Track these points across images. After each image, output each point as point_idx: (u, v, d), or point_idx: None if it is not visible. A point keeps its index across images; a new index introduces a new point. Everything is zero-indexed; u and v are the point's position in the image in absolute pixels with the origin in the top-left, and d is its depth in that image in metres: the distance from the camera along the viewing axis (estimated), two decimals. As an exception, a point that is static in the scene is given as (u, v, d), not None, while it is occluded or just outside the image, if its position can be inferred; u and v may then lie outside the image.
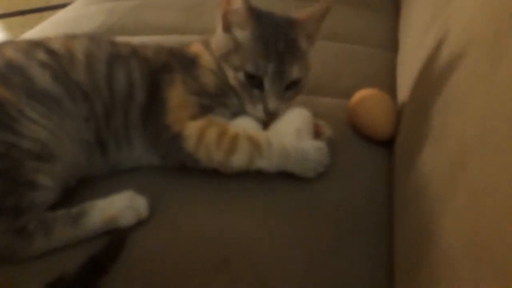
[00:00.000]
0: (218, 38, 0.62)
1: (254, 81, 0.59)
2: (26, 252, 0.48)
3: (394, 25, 1.02)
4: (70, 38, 0.61)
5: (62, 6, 1.24)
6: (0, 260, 0.48)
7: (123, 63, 0.60)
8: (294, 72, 0.59)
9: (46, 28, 1.04)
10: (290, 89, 0.61)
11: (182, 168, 0.58)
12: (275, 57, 0.58)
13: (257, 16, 0.60)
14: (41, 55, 0.56)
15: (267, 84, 0.58)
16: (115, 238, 0.49)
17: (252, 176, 0.56)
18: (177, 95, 0.59)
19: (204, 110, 0.58)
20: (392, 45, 0.95)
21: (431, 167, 0.48)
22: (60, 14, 1.14)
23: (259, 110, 0.60)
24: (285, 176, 0.57)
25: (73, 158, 0.55)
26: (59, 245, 0.49)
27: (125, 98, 0.59)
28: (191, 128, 0.56)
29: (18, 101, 0.52)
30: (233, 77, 0.60)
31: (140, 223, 0.52)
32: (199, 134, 0.55)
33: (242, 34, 0.60)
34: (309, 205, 0.56)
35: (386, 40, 0.97)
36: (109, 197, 0.52)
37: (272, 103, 0.59)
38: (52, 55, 0.57)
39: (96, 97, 0.57)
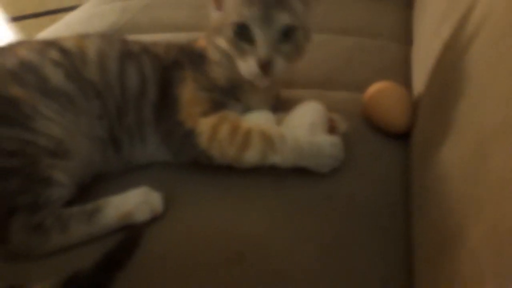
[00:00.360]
0: (214, 20, 0.61)
1: (244, 36, 0.55)
2: (42, 249, 0.49)
3: (406, 17, 1.01)
4: (82, 37, 0.62)
5: (75, 7, 1.26)
6: (17, 257, 0.48)
7: (135, 61, 0.60)
8: (282, 16, 0.55)
9: (59, 28, 1.05)
10: (285, 41, 0.56)
11: (195, 164, 0.58)
12: (261, 6, 0.54)
13: None
14: (54, 54, 0.57)
15: (256, 31, 0.54)
16: (130, 234, 0.49)
17: (266, 171, 0.56)
18: (188, 92, 0.59)
19: (216, 106, 0.58)
20: (405, 37, 0.94)
21: (450, 160, 0.47)
22: (72, 15, 1.16)
23: (252, 64, 0.55)
24: (299, 170, 0.56)
25: (88, 155, 0.56)
26: (74, 241, 0.50)
27: (137, 95, 0.59)
28: (204, 125, 0.56)
29: (32, 99, 0.52)
30: (224, 39, 0.57)
31: (155, 219, 0.52)
32: (212, 130, 0.55)
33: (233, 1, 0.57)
34: (323, 199, 0.56)
35: (398, 33, 0.96)
36: (124, 193, 0.53)
37: (263, 50, 0.54)
38: (65, 54, 0.58)
39: (108, 95, 0.58)
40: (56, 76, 0.55)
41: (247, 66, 0.56)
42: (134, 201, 0.51)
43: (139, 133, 0.59)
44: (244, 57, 0.56)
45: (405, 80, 0.78)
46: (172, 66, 0.61)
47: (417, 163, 0.59)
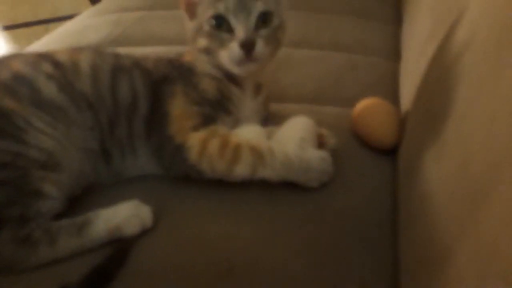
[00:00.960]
0: (190, 29, 0.62)
1: (222, 27, 0.57)
2: (30, 261, 0.48)
3: (396, 34, 1.03)
4: (76, 50, 0.62)
5: (68, 17, 1.26)
6: (4, 270, 0.48)
7: (126, 74, 0.61)
8: (259, 4, 0.57)
9: (52, 39, 1.05)
10: (264, 27, 0.58)
11: (187, 177, 0.58)
12: None
13: None
14: (47, 67, 0.57)
15: (232, 20, 0.56)
16: (120, 247, 0.49)
17: (256, 185, 0.56)
18: (178, 107, 0.59)
19: (206, 120, 0.59)
20: (394, 54, 0.95)
21: (436, 176, 0.47)
22: (65, 26, 1.16)
23: (233, 48, 0.56)
24: (289, 185, 0.57)
25: (79, 167, 0.56)
26: (63, 254, 0.49)
27: (128, 108, 0.59)
28: (194, 139, 0.56)
29: (24, 111, 0.53)
30: (204, 38, 0.59)
31: (145, 232, 0.52)
32: (202, 145, 0.55)
33: (204, 2, 0.59)
34: (313, 213, 0.56)
35: (388, 50, 0.97)
36: (114, 206, 0.53)
37: (244, 33, 0.55)
38: (58, 66, 0.58)
39: (100, 107, 0.58)
40: (49, 89, 0.55)
41: (230, 52, 0.57)
42: (124, 215, 0.51)
43: (130, 146, 0.60)
44: (225, 46, 0.57)
45: (394, 96, 0.79)
46: (162, 80, 0.62)
47: (403, 179, 0.60)
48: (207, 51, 0.60)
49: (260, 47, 0.57)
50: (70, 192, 0.55)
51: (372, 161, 0.66)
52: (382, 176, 0.64)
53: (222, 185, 0.57)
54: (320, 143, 0.62)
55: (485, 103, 0.42)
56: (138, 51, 0.85)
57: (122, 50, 0.68)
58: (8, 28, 2.19)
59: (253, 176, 0.55)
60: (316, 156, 0.57)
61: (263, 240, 0.52)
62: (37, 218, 0.49)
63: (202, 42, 0.60)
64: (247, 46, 0.56)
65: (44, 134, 0.53)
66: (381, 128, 0.66)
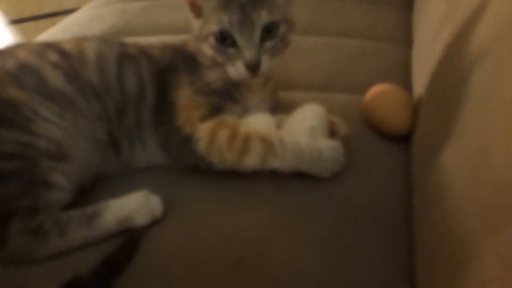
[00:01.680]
0: (196, 28, 0.60)
1: (227, 42, 0.56)
2: (41, 252, 0.48)
3: (407, 20, 1.01)
4: (81, 39, 0.62)
5: (75, 10, 1.25)
6: (15, 261, 0.48)
7: (132, 63, 0.60)
8: (263, 16, 0.54)
9: (57, 31, 1.05)
10: (270, 39, 0.56)
11: (196, 173, 0.57)
12: (237, 9, 0.54)
13: None
14: (53, 56, 0.57)
15: (237, 37, 0.55)
16: (130, 238, 0.49)
17: (267, 175, 0.55)
18: (185, 96, 0.59)
19: (214, 110, 0.58)
20: (405, 40, 0.93)
21: (453, 163, 0.46)
22: (71, 17, 1.15)
23: (239, 67, 0.56)
24: (300, 175, 0.56)
25: (87, 157, 0.55)
26: (73, 245, 0.49)
27: (136, 98, 0.59)
28: (202, 130, 0.55)
29: (32, 101, 0.52)
30: (208, 47, 0.57)
31: (155, 223, 0.52)
32: (211, 135, 0.54)
33: (210, 5, 0.57)
34: (325, 203, 0.55)
35: (398, 35, 0.95)
36: (124, 196, 0.52)
37: (249, 53, 0.54)
38: (64, 55, 0.57)
39: (107, 97, 0.58)
40: (55, 78, 0.55)
41: (235, 69, 0.56)
42: (133, 205, 0.51)
43: (138, 136, 0.59)
44: (231, 61, 0.56)
45: (406, 82, 0.78)
46: (168, 69, 0.61)
47: (418, 167, 0.59)
48: (213, 60, 0.59)
49: (265, 64, 0.56)
50: (79, 182, 0.55)
51: (384, 148, 0.64)
52: (395, 164, 0.63)
53: (232, 175, 0.56)
54: (332, 131, 0.60)
55: (504, 89, 0.40)
56: (143, 41, 0.84)
57: (128, 40, 0.67)
58: (15, 22, 2.20)
59: (263, 166, 0.54)
60: (327, 146, 0.56)
61: (274, 232, 0.51)
62: (47, 209, 0.49)
63: (208, 51, 0.58)
64: (253, 67, 0.55)
65: (52, 124, 0.52)
66: (394, 114, 0.65)
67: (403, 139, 0.65)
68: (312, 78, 0.80)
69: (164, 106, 0.58)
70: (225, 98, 0.60)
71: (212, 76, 0.60)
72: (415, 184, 0.58)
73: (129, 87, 0.59)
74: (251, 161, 0.53)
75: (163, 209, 0.52)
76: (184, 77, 0.60)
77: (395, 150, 0.64)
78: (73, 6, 2.22)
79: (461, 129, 0.46)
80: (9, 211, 0.48)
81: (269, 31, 0.56)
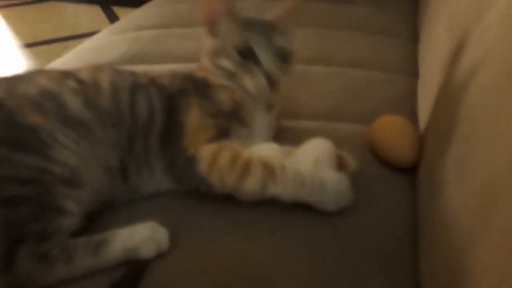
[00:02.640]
0: (211, 46, 0.66)
1: (248, 56, 0.62)
2: (46, 279, 0.48)
3: (413, 51, 1.02)
4: (96, 69, 0.64)
5: (87, 35, 1.29)
6: (19, 286, 0.48)
7: (144, 91, 0.62)
8: (279, 40, 0.63)
9: (71, 57, 1.07)
10: (282, 61, 0.64)
11: (202, 195, 0.57)
12: (259, 30, 0.63)
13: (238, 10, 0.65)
14: (72, 83, 0.59)
15: (260, 53, 0.62)
16: (135, 267, 0.49)
17: (273, 205, 0.55)
18: (194, 118, 0.60)
19: (220, 132, 0.59)
20: (411, 71, 0.94)
21: (459, 199, 0.46)
22: (84, 44, 1.18)
23: (260, 80, 0.61)
24: (306, 205, 0.55)
25: (99, 184, 0.56)
26: (78, 273, 0.49)
27: (145, 124, 0.60)
28: (205, 151, 0.56)
29: (50, 127, 0.53)
30: (227, 60, 0.63)
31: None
32: (212, 157, 0.55)
33: (227, 26, 0.64)
34: (330, 234, 0.55)
35: (404, 66, 0.96)
36: (131, 226, 0.52)
37: (270, 67, 0.61)
38: (81, 83, 0.59)
39: (120, 124, 0.59)
40: (75, 104, 0.56)
41: (255, 82, 0.62)
42: (140, 236, 0.51)
43: (146, 162, 0.60)
44: (251, 74, 0.62)
45: (412, 113, 0.78)
46: (178, 93, 0.63)
47: (424, 199, 0.58)
48: (229, 73, 0.64)
49: (281, 81, 0.63)
50: (89, 208, 0.55)
51: (390, 179, 0.64)
52: (401, 196, 0.62)
53: (238, 204, 0.56)
54: (340, 165, 0.60)
55: (504, 127, 0.40)
56: (155, 68, 0.86)
57: (139, 68, 0.69)
58: (29, 45, 2.25)
59: (263, 192, 0.54)
60: (331, 177, 0.55)
61: (280, 261, 0.51)
62: (56, 235, 0.49)
63: (226, 64, 0.64)
64: (272, 80, 0.61)
65: (68, 150, 0.53)
66: (400, 145, 0.65)
67: (409, 170, 0.64)
68: (318, 108, 0.80)
69: (172, 128, 0.60)
70: (232, 120, 0.61)
71: (223, 97, 0.63)
72: (421, 216, 0.58)
73: (140, 114, 0.60)
74: (251, 185, 0.53)
75: (169, 242, 0.52)
76: (193, 100, 0.62)
77: (401, 181, 0.64)
78: (86, 31, 2.28)
79: (465, 163, 0.46)
80: (19, 235, 0.48)
81: (283, 55, 0.64)
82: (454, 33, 0.71)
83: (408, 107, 0.80)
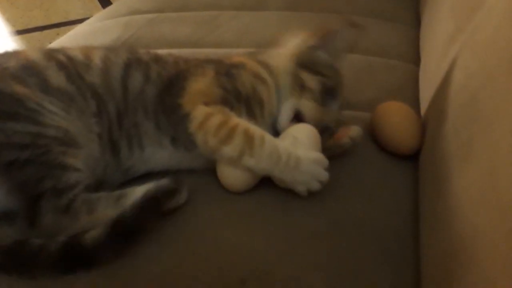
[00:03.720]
0: (299, 48, 0.66)
1: (326, 97, 0.63)
2: (71, 229, 0.49)
3: (415, 37, 1.01)
4: (90, 47, 0.64)
5: (80, 21, 1.26)
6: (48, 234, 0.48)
7: (142, 66, 0.61)
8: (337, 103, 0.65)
9: (63, 42, 1.05)
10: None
11: (200, 188, 0.57)
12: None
13: None
14: (61, 57, 0.59)
15: (335, 100, 0.64)
16: (175, 180, 0.52)
17: (271, 195, 0.54)
18: (201, 83, 0.60)
19: (223, 103, 0.58)
20: (413, 57, 0.93)
21: (461, 185, 0.45)
22: (77, 29, 1.16)
23: (321, 118, 0.61)
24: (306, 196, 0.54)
25: (92, 151, 0.57)
26: (101, 222, 0.49)
27: (137, 95, 0.60)
28: (199, 111, 0.56)
29: (36, 96, 0.53)
30: (318, 82, 0.63)
31: (156, 241, 0.50)
32: (204, 118, 0.56)
33: (323, 55, 0.66)
34: (330, 224, 0.54)
35: (407, 52, 0.95)
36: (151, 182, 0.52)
37: (334, 116, 0.63)
38: (70, 59, 0.59)
39: (109, 98, 0.59)
40: (57, 78, 0.57)
41: (317, 118, 0.61)
42: (159, 188, 0.51)
43: (137, 136, 0.59)
44: (320, 109, 0.62)
45: (414, 100, 0.77)
46: (192, 68, 0.63)
47: (426, 186, 0.58)
48: (300, 87, 0.63)
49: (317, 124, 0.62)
50: (91, 173, 0.55)
51: (392, 166, 0.64)
52: (403, 183, 0.61)
53: (236, 195, 0.55)
54: (341, 133, 0.60)
55: None
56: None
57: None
58: (20, 32, 2.22)
59: (238, 160, 0.53)
60: (308, 157, 0.53)
61: (278, 253, 0.50)
62: (69, 189, 0.50)
63: (311, 84, 0.63)
64: (320, 127, 0.60)
65: (57, 115, 0.53)
66: (402, 132, 0.64)
67: (411, 157, 0.64)
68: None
69: (172, 90, 0.60)
70: (241, 104, 0.60)
71: (247, 79, 0.62)
72: (422, 203, 0.57)
73: (132, 87, 0.60)
74: (229, 151, 0.54)
75: (187, 196, 0.53)
76: (210, 72, 0.62)
77: (403, 168, 0.63)
78: (78, 17, 2.24)
79: (469, 150, 0.45)
80: (34, 194, 0.49)
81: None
82: (457, 17, 0.70)
83: (409, 93, 0.80)
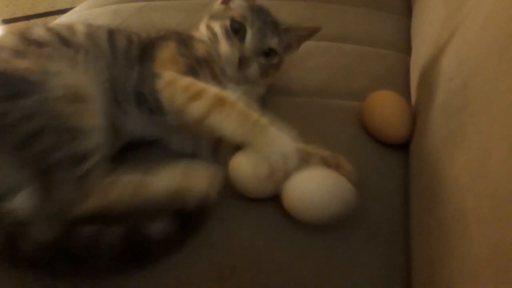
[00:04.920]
0: (216, 9, 0.69)
1: (236, 31, 0.64)
2: (88, 203, 0.47)
3: (406, 26, 1.01)
4: (70, 24, 0.64)
5: (67, 10, 1.23)
6: (61, 213, 0.46)
7: (123, 33, 0.65)
8: (274, 40, 0.65)
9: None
10: (265, 56, 0.65)
11: None
12: (261, 22, 0.65)
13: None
14: (40, 31, 0.59)
15: (248, 32, 0.63)
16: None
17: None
18: (167, 52, 0.63)
19: (189, 70, 0.60)
20: (404, 47, 0.93)
21: (451, 173, 0.45)
22: (64, 17, 1.13)
23: (234, 52, 0.62)
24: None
25: (101, 99, 0.55)
26: (117, 200, 0.48)
27: (124, 53, 0.61)
28: (169, 73, 0.57)
29: (38, 63, 0.51)
30: (220, 26, 0.65)
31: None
32: (173, 78, 0.56)
33: (240, 2, 0.68)
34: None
35: (397, 41, 0.95)
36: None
37: (247, 48, 0.63)
38: (51, 30, 0.59)
39: (99, 55, 0.59)
40: (46, 51, 0.55)
41: (229, 53, 0.63)
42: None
43: (125, 94, 0.59)
44: (230, 44, 0.64)
45: (404, 88, 0.77)
46: (159, 38, 0.66)
47: (416, 174, 0.58)
48: (214, 37, 0.65)
49: (252, 69, 0.64)
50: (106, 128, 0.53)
51: (382, 155, 0.64)
52: (393, 172, 0.62)
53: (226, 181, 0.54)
54: (335, 166, 0.54)
55: (504, 96, 0.39)
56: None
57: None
58: (7, 21, 2.18)
59: (206, 119, 0.52)
60: (282, 135, 0.51)
61: (268, 241, 0.50)
62: (89, 155, 0.48)
63: (216, 27, 0.66)
64: (244, 61, 0.63)
65: (64, 73, 0.52)
66: (392, 121, 0.64)
67: (402, 146, 0.64)
68: (310, 84, 0.79)
69: (145, 59, 0.61)
70: (203, 66, 0.62)
71: (199, 46, 0.65)
72: (412, 191, 0.57)
73: (120, 45, 0.62)
74: (196, 108, 0.52)
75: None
76: (171, 43, 0.64)
77: (393, 157, 0.64)
78: (65, 6, 2.20)
79: (459, 138, 0.46)
80: (49, 165, 0.47)
81: (268, 53, 0.65)
82: (448, 5, 0.70)
83: (400, 83, 0.80)
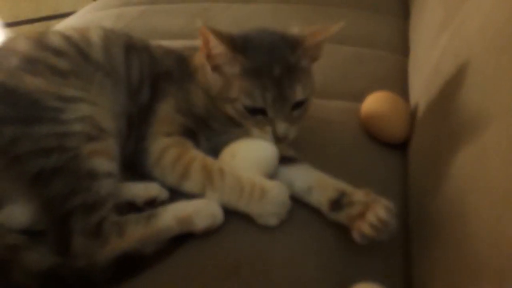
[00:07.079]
0: (209, 77, 0.57)
1: (255, 110, 0.54)
2: (102, 254, 0.46)
3: (403, 27, 1.01)
4: (84, 28, 0.61)
5: (70, 14, 1.25)
6: (77, 261, 0.46)
7: (137, 55, 0.59)
8: (297, 94, 0.54)
9: (53, 34, 1.04)
10: (297, 109, 0.55)
11: None
12: (272, 85, 0.53)
13: (245, 48, 0.54)
14: (56, 40, 0.55)
15: (270, 113, 0.54)
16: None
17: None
18: (164, 109, 0.58)
19: (184, 130, 0.57)
20: (402, 48, 0.94)
21: (450, 171, 0.46)
22: (67, 21, 1.14)
23: (267, 133, 0.54)
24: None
25: (117, 131, 0.54)
26: (132, 245, 0.47)
27: (136, 89, 0.58)
28: (156, 145, 0.55)
29: (52, 85, 0.50)
30: (232, 108, 0.55)
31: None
32: (160, 153, 0.54)
33: (232, 70, 0.55)
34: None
35: (395, 43, 0.96)
36: (184, 200, 0.51)
37: (282, 127, 0.54)
38: (67, 39, 0.56)
39: (115, 77, 0.57)
40: (62, 63, 0.53)
41: (263, 134, 0.55)
42: (194, 206, 0.49)
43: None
44: (258, 125, 0.55)
45: (402, 89, 0.78)
46: (163, 76, 0.60)
47: (415, 174, 0.58)
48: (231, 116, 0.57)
49: (292, 134, 0.55)
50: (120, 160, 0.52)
51: (381, 155, 0.64)
52: (392, 172, 0.62)
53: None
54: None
55: (502, 96, 0.40)
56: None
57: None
58: (10, 25, 2.18)
59: (204, 196, 0.51)
60: (271, 186, 0.50)
61: (271, 238, 0.50)
62: (102, 204, 0.48)
63: (231, 113, 0.56)
64: (283, 139, 0.54)
65: (80, 101, 0.50)
66: (391, 122, 0.65)
67: (400, 146, 0.64)
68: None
69: (147, 112, 0.58)
70: (201, 124, 0.58)
71: (197, 98, 0.58)
72: (411, 191, 0.58)
73: (134, 76, 0.58)
74: (190, 187, 0.52)
75: (223, 217, 0.50)
76: (172, 89, 0.59)
77: (392, 157, 0.64)
78: (68, 10, 2.21)
79: (458, 137, 0.46)
80: (65, 212, 0.46)
81: (298, 105, 0.55)
82: (447, 5, 0.70)
83: (398, 84, 0.80)
